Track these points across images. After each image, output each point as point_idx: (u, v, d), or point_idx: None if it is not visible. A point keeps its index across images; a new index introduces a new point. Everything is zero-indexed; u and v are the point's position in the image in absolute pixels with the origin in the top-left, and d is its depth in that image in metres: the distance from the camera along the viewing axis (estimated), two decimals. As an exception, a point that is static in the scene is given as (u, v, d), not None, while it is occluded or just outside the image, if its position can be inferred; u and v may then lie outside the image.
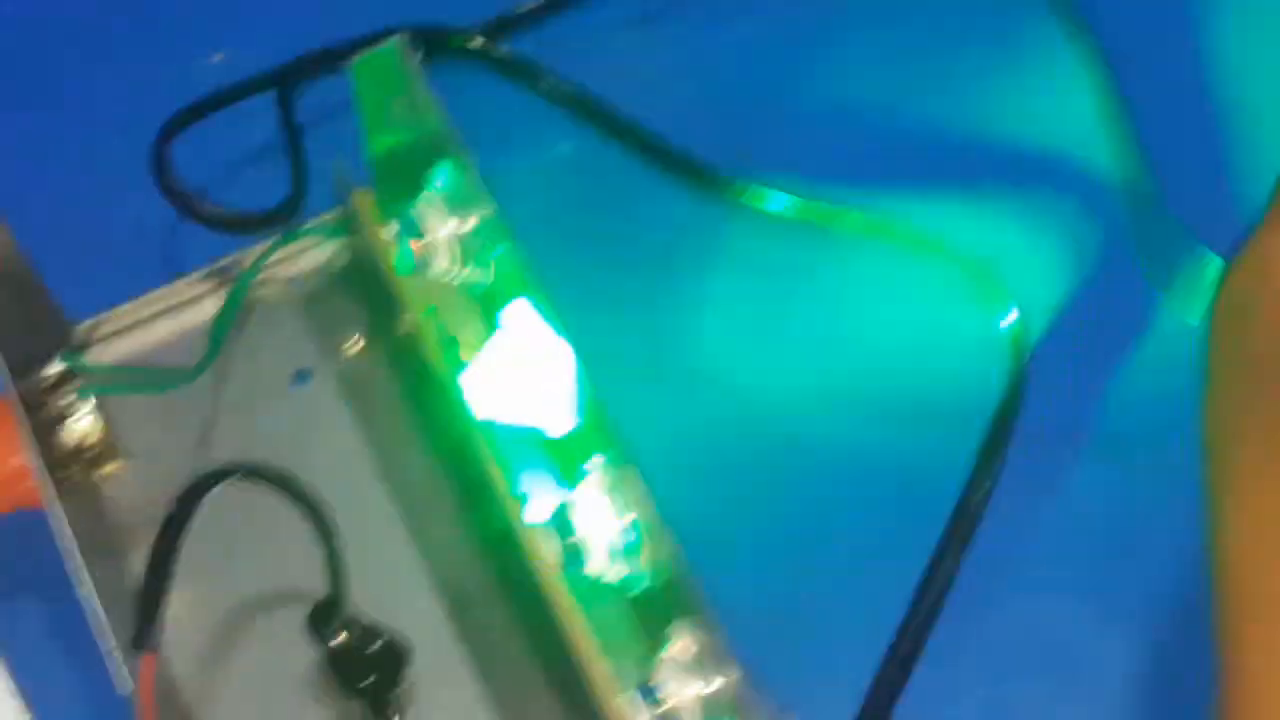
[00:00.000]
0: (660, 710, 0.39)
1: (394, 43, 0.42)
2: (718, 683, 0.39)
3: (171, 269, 0.49)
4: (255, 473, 0.42)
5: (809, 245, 0.53)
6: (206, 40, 0.58)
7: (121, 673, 0.40)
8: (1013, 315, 0.51)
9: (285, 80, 0.51)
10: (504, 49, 0.54)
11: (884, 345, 0.53)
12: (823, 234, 0.53)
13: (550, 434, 0.43)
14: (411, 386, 0.47)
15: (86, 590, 0.41)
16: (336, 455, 0.46)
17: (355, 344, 0.48)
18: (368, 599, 0.42)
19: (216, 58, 0.56)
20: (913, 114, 0.57)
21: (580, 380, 0.42)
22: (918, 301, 0.54)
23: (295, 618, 0.42)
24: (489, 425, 0.42)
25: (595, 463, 0.41)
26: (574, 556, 0.41)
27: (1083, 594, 0.49)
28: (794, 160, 0.54)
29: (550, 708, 0.43)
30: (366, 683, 0.42)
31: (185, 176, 0.50)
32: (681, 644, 0.39)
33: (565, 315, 0.42)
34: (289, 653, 0.43)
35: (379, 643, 0.42)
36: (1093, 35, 0.56)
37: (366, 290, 0.48)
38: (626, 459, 0.41)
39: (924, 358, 0.52)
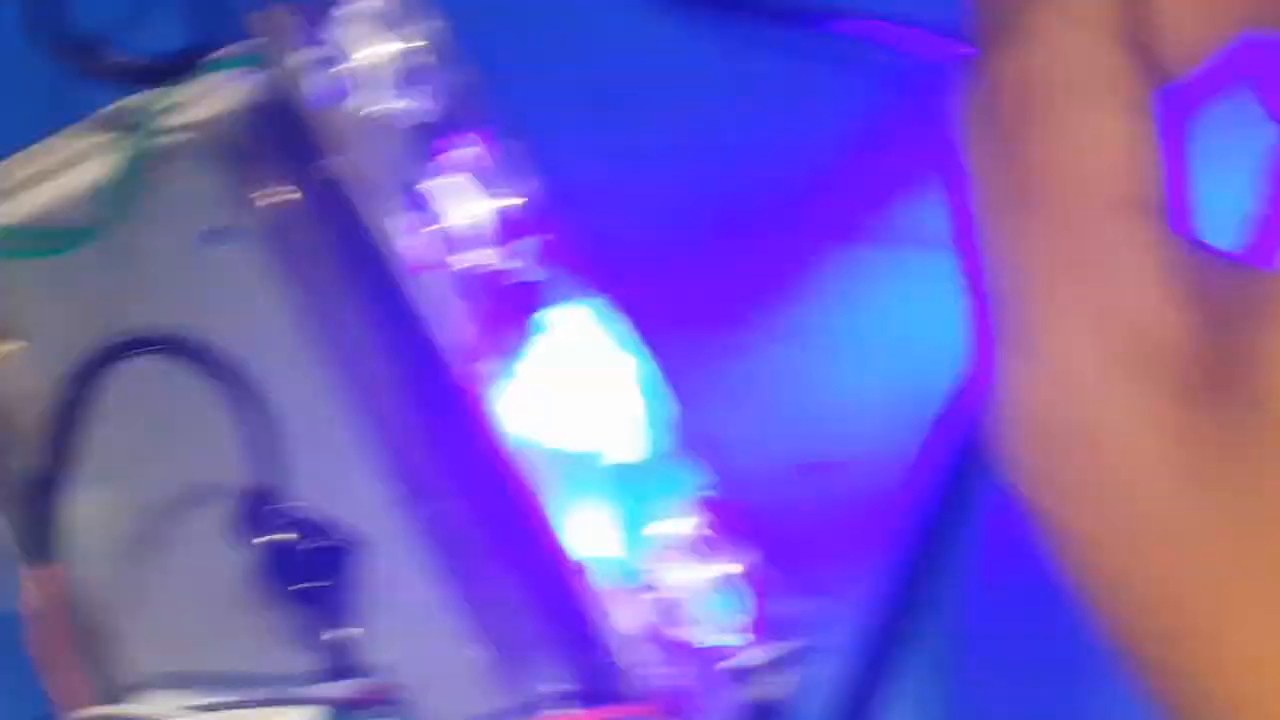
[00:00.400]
0: (655, 595, 0.39)
1: None
2: (710, 569, 0.39)
3: (66, 111, 0.47)
4: (168, 344, 0.41)
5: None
6: None
7: (23, 586, 0.39)
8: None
9: None
10: None
11: None
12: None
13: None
14: (341, 240, 0.45)
15: None
16: (258, 323, 0.44)
17: (274, 195, 0.46)
18: (307, 490, 0.41)
19: None
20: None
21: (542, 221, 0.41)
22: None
23: (219, 514, 0.41)
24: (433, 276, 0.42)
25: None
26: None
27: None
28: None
29: (523, 608, 0.42)
30: (306, 586, 0.40)
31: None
32: (668, 524, 0.39)
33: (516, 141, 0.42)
34: (214, 556, 0.41)
35: (320, 540, 0.41)
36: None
37: (284, 132, 0.46)
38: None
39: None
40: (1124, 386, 0.27)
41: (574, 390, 0.42)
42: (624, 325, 0.41)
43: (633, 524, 0.40)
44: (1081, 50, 0.30)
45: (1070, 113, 0.29)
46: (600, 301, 0.42)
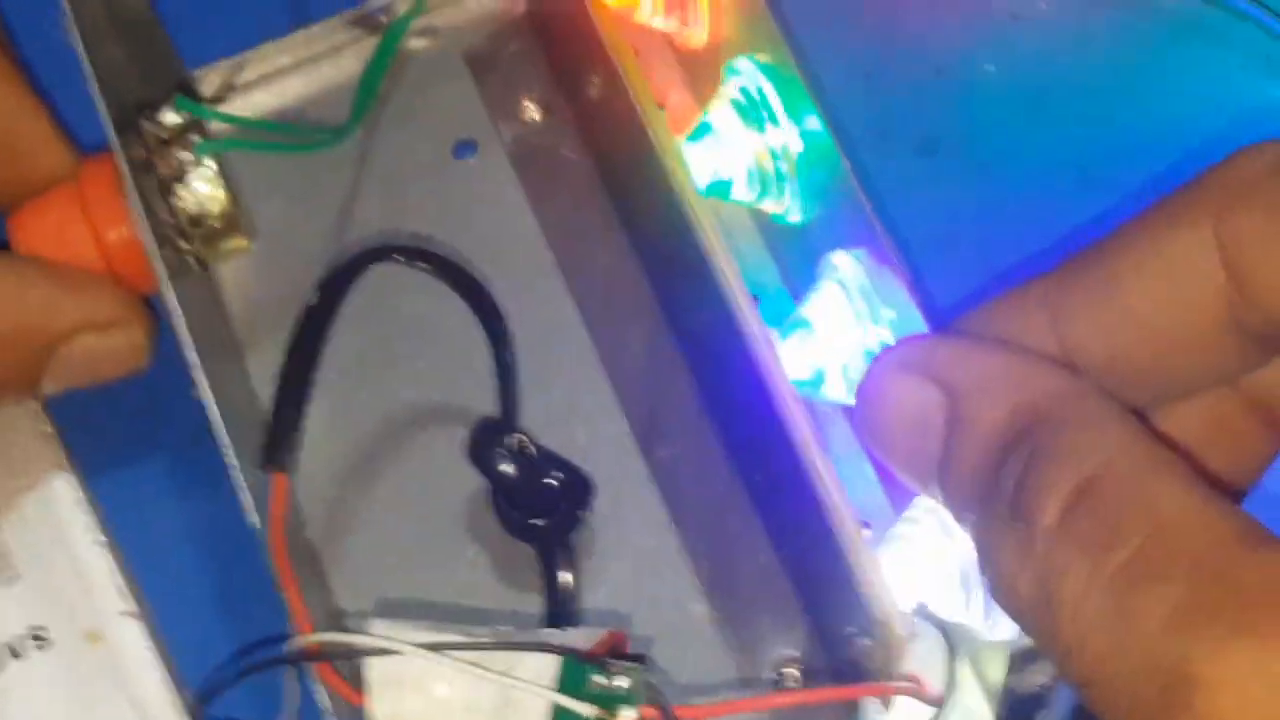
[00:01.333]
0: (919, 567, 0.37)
1: None
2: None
3: (309, 14, 0.46)
4: (417, 254, 0.41)
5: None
6: None
7: (248, 498, 0.37)
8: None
9: None
10: None
11: (1180, 120, 0.50)
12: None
13: (789, 220, 0.41)
14: (603, 161, 0.45)
15: (206, 394, 0.38)
16: (507, 243, 0.43)
17: (532, 109, 0.45)
18: (542, 422, 0.41)
19: None
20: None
21: (827, 156, 0.39)
22: (1222, 68, 0.51)
23: (455, 440, 0.40)
24: (714, 193, 0.40)
25: (840, 261, 0.38)
26: (813, 372, 0.39)
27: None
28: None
29: (762, 567, 0.41)
30: (539, 523, 0.39)
31: None
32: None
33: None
34: (448, 482, 0.41)
35: (557, 475, 0.40)
36: None
37: (548, 45, 0.46)
38: (882, 255, 0.38)
39: (1233, 137, 0.46)
40: None
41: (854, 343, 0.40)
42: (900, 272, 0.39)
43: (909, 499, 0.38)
44: None
45: None
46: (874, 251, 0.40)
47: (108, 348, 0.43)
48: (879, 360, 0.36)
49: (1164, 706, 0.27)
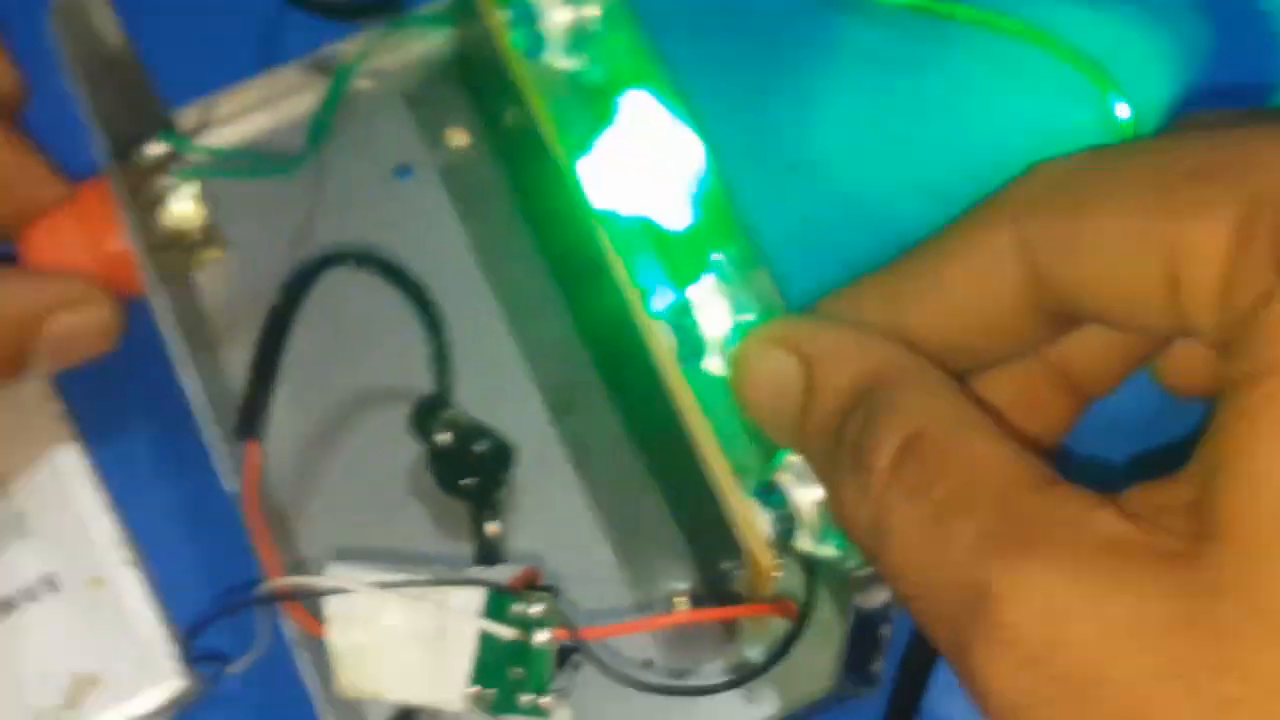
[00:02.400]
0: (781, 510, 0.38)
1: None
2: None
3: (272, 58, 0.49)
4: (365, 259, 0.44)
5: (921, 37, 0.52)
6: None
7: (225, 466, 0.40)
8: (1125, 111, 0.50)
9: None
10: None
11: (994, 140, 0.52)
12: (935, 26, 0.52)
13: (670, 228, 0.42)
14: (518, 179, 0.47)
15: (189, 379, 0.41)
16: (440, 250, 0.46)
17: (459, 137, 0.48)
18: (471, 398, 0.44)
19: None
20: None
21: (707, 173, 0.41)
22: (1029, 96, 0.53)
23: (399, 415, 0.43)
24: (609, 215, 0.41)
25: (717, 259, 0.41)
26: (693, 351, 0.40)
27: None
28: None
29: (655, 515, 0.43)
30: (469, 482, 0.42)
31: None
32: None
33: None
34: (392, 450, 0.43)
35: (484, 443, 0.43)
36: None
37: (472, 82, 0.48)
38: (750, 257, 0.40)
39: (1033, 153, 0.50)
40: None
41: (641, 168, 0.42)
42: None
43: (773, 453, 0.39)
44: None
45: None
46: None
47: (83, 323, 0.44)
48: (749, 336, 0.38)
49: (969, 616, 0.30)
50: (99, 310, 0.43)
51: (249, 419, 0.42)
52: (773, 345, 0.37)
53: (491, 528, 0.43)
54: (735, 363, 0.38)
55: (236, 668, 0.42)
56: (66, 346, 0.44)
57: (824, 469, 0.36)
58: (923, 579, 0.32)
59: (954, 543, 0.31)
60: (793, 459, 0.39)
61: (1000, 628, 0.30)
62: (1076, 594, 0.29)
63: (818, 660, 0.40)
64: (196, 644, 0.43)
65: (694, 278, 0.41)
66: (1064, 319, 0.34)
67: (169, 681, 0.43)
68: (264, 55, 0.49)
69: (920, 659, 0.44)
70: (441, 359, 0.44)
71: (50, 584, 0.45)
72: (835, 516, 0.36)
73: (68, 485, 0.45)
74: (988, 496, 0.31)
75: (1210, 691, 0.28)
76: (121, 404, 0.47)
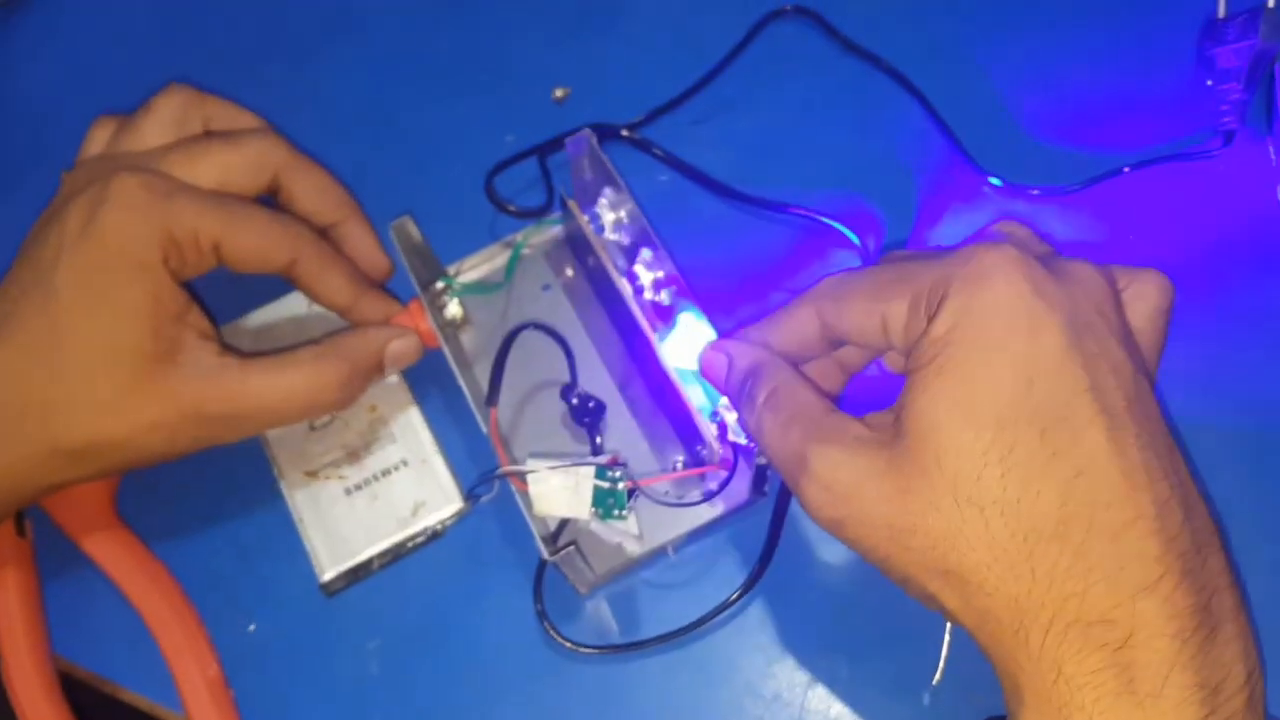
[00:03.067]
0: (720, 421, 0.41)
1: (585, 132, 0.44)
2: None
3: (488, 239, 0.50)
4: (537, 326, 0.46)
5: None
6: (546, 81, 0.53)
7: (480, 421, 0.43)
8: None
9: (542, 150, 0.51)
10: (637, 134, 0.52)
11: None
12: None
13: (661, 303, 0.45)
14: (595, 287, 0.48)
15: (463, 383, 0.43)
16: (566, 322, 0.48)
17: (569, 271, 0.49)
18: (584, 383, 0.46)
19: (558, 94, 0.54)
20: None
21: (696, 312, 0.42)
22: None
23: (554, 392, 0.46)
24: (634, 302, 0.43)
25: (685, 315, 0.43)
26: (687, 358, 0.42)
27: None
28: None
29: (665, 429, 0.45)
30: (588, 421, 0.45)
31: (503, 191, 0.51)
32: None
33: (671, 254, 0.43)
34: (552, 409, 0.46)
35: (592, 402, 0.45)
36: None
37: (573, 246, 0.49)
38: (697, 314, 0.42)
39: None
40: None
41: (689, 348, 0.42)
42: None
43: (713, 399, 0.41)
44: None
45: None
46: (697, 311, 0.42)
47: (404, 347, 0.44)
48: (706, 347, 0.38)
49: (799, 469, 0.32)
50: (412, 341, 0.44)
51: (491, 397, 0.43)
52: (714, 349, 0.38)
53: (597, 441, 0.45)
54: (699, 357, 0.39)
55: (487, 498, 0.45)
56: (398, 358, 0.44)
57: (737, 405, 0.37)
58: (778, 453, 0.33)
59: (790, 436, 0.33)
60: (723, 401, 0.41)
61: (811, 475, 0.31)
62: (844, 459, 0.31)
63: (740, 488, 0.42)
64: (469, 489, 0.46)
65: (674, 322, 0.43)
66: (838, 341, 0.35)
67: (455, 504, 0.46)
68: (484, 237, 0.50)
69: (786, 490, 0.44)
70: (572, 367, 0.45)
71: (404, 462, 0.47)
72: (745, 430, 0.37)
73: (412, 421, 0.47)
74: (806, 416, 0.33)
75: (898, 505, 0.29)
76: (430, 387, 0.48)
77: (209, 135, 0.42)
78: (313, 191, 0.43)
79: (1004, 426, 0.27)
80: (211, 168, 0.40)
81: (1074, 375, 0.27)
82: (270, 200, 0.44)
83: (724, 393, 0.37)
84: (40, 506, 0.43)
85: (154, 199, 0.37)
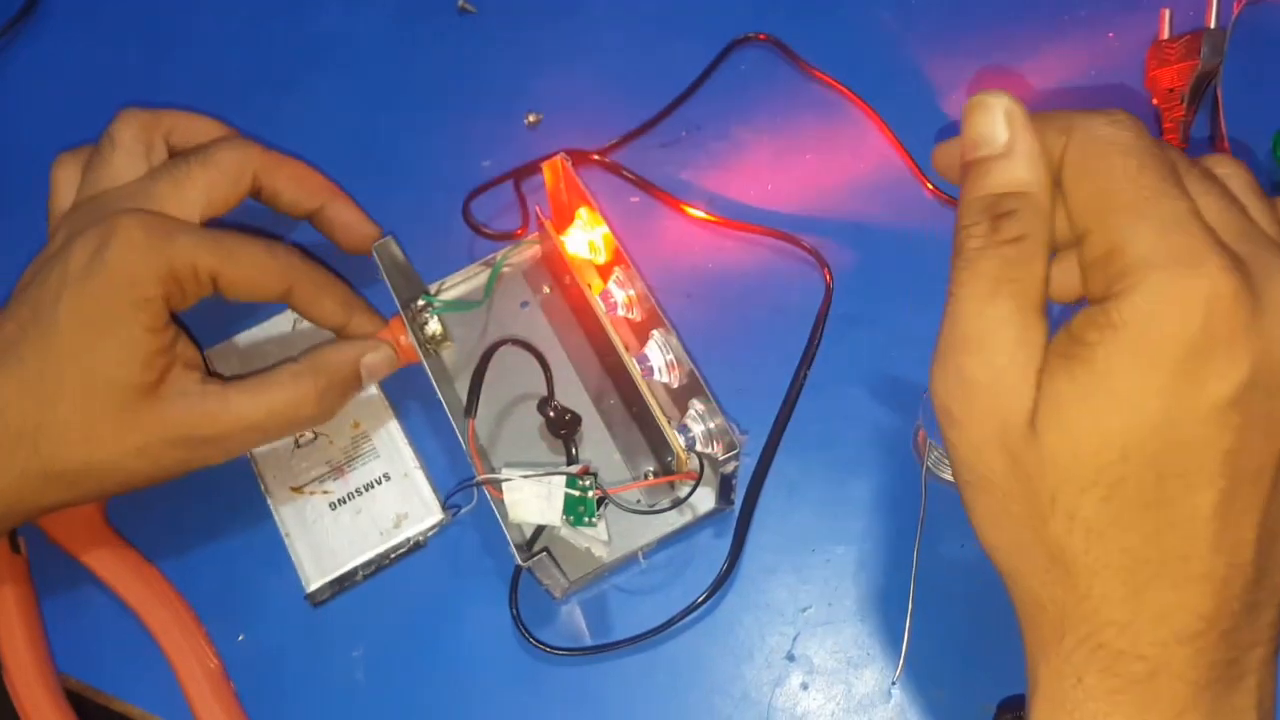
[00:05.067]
0: (689, 435, 0.43)
1: (559, 158, 0.44)
2: (713, 424, 0.42)
3: (469, 259, 0.51)
4: (515, 341, 0.47)
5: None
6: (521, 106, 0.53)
7: (459, 431, 0.44)
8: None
9: (517, 174, 0.53)
10: (608, 158, 0.53)
11: None
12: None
13: (637, 321, 0.46)
14: (570, 302, 0.49)
15: (443, 397, 0.44)
16: (544, 337, 0.48)
17: (546, 289, 0.50)
18: (561, 396, 0.46)
19: (529, 119, 0.54)
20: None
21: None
22: None
23: (531, 405, 0.47)
24: (608, 319, 0.44)
25: (654, 335, 0.43)
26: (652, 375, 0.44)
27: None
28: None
29: (637, 439, 0.46)
30: (564, 432, 0.45)
31: (481, 214, 0.52)
32: (694, 410, 0.43)
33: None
34: (529, 421, 0.47)
35: (568, 415, 0.46)
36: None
37: (550, 265, 0.50)
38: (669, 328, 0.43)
39: None
40: None
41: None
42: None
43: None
44: None
45: None
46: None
47: (379, 359, 0.44)
48: (991, 95, 0.27)
49: (968, 343, 0.25)
50: (386, 352, 0.45)
51: (469, 408, 0.44)
52: (1004, 116, 0.27)
53: (571, 451, 0.45)
54: (974, 103, 0.27)
55: (466, 510, 0.46)
56: (373, 370, 0.45)
57: (963, 200, 0.27)
58: (965, 303, 0.26)
59: (999, 299, 0.25)
60: (693, 413, 0.41)
61: (977, 359, 0.25)
62: (1011, 368, 0.25)
63: (706, 497, 0.44)
64: (448, 500, 0.46)
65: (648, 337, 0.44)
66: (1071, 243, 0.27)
67: (435, 515, 0.46)
68: (462, 259, 0.51)
69: (751, 496, 0.45)
70: (549, 381, 0.46)
71: (386, 476, 0.47)
72: (957, 239, 0.27)
73: (394, 436, 0.48)
74: (1025, 294, 0.26)
75: (1019, 442, 0.25)
76: (411, 402, 0.49)
77: (184, 157, 0.42)
78: (292, 183, 0.44)
79: (1127, 458, 0.24)
80: (197, 192, 0.41)
81: (1218, 433, 0.24)
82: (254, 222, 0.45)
83: (953, 177, 0.28)
84: (33, 522, 0.44)
85: (155, 239, 0.38)
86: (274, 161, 0.44)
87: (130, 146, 0.42)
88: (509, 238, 0.51)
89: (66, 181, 0.42)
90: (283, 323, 0.50)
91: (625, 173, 0.52)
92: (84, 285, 0.37)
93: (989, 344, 0.25)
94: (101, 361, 0.37)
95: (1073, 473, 0.24)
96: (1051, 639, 0.26)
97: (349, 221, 0.46)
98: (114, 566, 0.45)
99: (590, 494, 0.41)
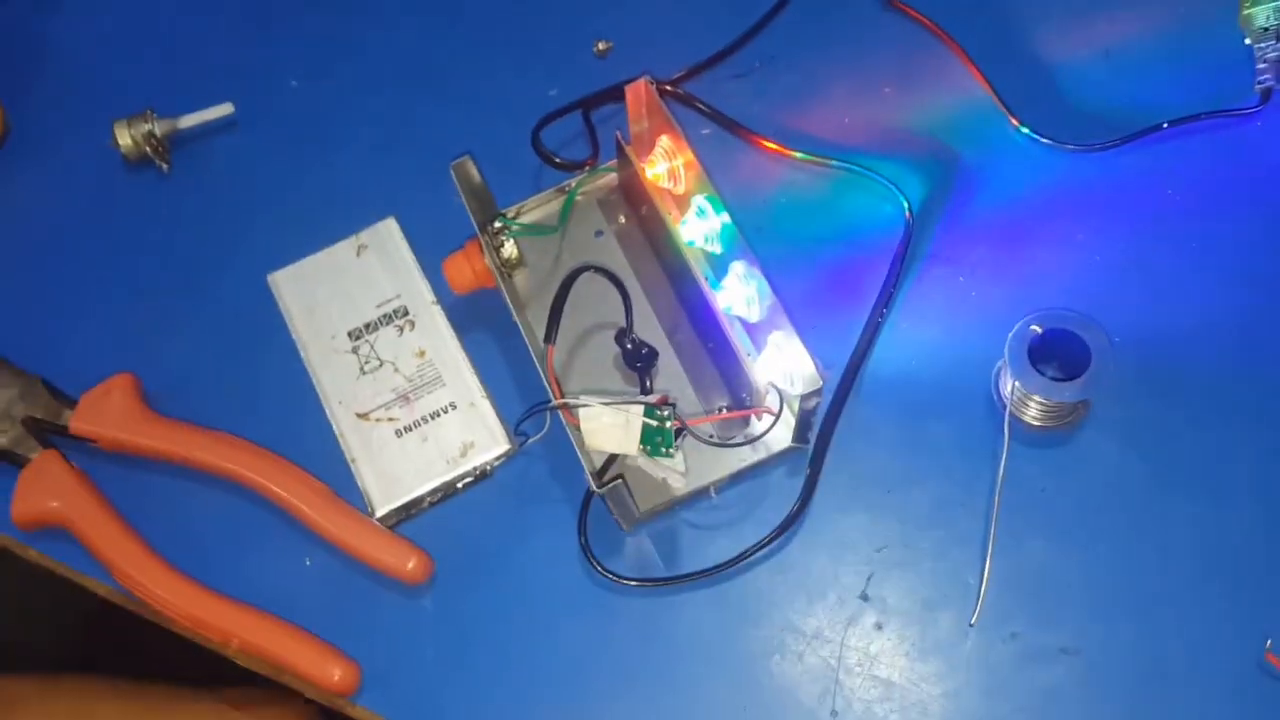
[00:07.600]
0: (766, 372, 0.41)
1: (643, 82, 0.45)
2: (794, 360, 0.41)
3: (542, 185, 0.51)
4: (597, 269, 0.46)
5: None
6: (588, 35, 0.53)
7: (539, 360, 0.44)
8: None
9: (587, 104, 0.52)
10: (680, 89, 0.52)
11: None
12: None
13: (713, 251, 0.46)
14: (647, 234, 0.50)
15: (521, 324, 0.45)
16: (618, 267, 0.49)
17: (622, 218, 0.50)
18: (638, 329, 0.47)
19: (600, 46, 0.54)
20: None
21: (727, 232, 0.44)
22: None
23: (605, 335, 0.47)
24: (690, 244, 0.45)
25: (736, 264, 0.44)
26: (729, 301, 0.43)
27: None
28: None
29: (712, 373, 0.46)
30: (640, 365, 0.46)
31: (547, 143, 0.52)
32: (775, 345, 0.42)
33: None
34: (604, 352, 0.47)
35: (645, 347, 0.46)
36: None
37: (627, 193, 0.50)
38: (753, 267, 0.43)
39: None
40: None
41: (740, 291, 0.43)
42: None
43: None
44: None
45: None
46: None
47: None
48: None
49: None
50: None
51: (548, 334, 0.44)
52: None
53: (647, 383, 0.46)
54: None
55: (534, 439, 0.45)
56: None
57: None
58: None
59: None
60: (773, 348, 0.40)
61: None
62: None
63: (782, 434, 0.44)
64: (517, 426, 0.46)
65: (725, 271, 0.44)
66: None
67: (502, 445, 0.47)
68: (529, 188, 0.51)
69: (824, 435, 0.45)
70: (628, 312, 0.46)
71: (453, 405, 0.48)
72: None
73: (460, 365, 0.48)
74: None
75: None
76: (477, 332, 0.49)
77: None
78: None
79: None
80: None
81: None
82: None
83: None
84: (87, 439, 0.46)
85: None
86: None
87: None
88: (578, 167, 0.50)
89: None
90: (347, 249, 0.51)
91: (698, 104, 0.52)
92: None
93: None
94: None
95: None
96: None
97: None
98: (184, 438, 0.46)
99: (669, 424, 0.41)
